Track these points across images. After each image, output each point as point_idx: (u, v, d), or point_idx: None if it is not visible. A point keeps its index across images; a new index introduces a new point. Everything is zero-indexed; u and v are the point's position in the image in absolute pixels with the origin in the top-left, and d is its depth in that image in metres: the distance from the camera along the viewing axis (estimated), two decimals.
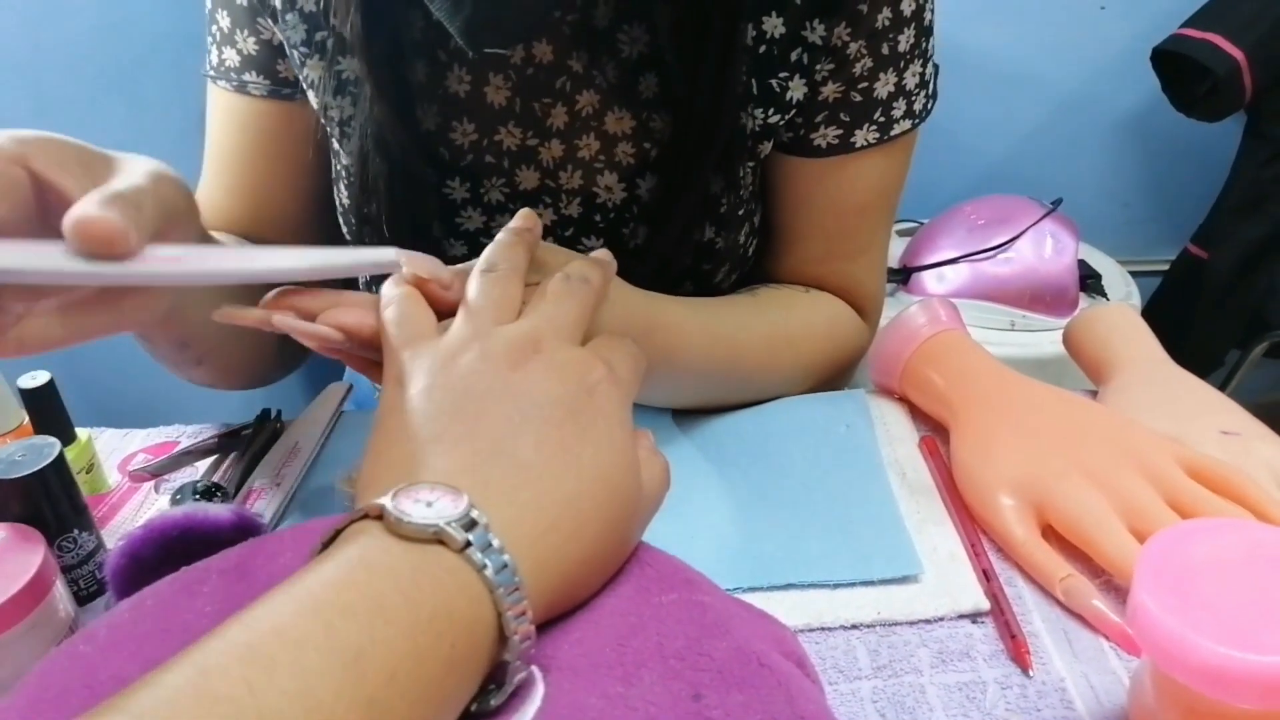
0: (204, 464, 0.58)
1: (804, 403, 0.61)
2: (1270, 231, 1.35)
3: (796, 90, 0.58)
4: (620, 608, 0.34)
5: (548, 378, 0.35)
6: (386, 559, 0.28)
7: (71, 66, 1.15)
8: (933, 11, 0.59)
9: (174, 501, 0.52)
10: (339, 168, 0.63)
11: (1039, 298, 1.23)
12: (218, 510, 0.42)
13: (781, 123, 0.60)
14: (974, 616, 0.45)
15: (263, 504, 0.54)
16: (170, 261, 0.35)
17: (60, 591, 0.43)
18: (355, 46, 0.55)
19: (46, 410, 0.55)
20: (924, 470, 0.56)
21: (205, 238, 0.47)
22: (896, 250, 1.33)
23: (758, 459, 0.56)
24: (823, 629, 0.44)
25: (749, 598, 0.42)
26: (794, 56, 0.57)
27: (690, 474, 0.55)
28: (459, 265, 0.42)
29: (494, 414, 0.33)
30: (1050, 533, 0.49)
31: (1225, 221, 1.39)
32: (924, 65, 0.60)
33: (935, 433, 0.59)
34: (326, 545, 0.30)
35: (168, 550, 0.40)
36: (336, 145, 0.62)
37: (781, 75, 0.58)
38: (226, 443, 0.59)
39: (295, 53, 0.60)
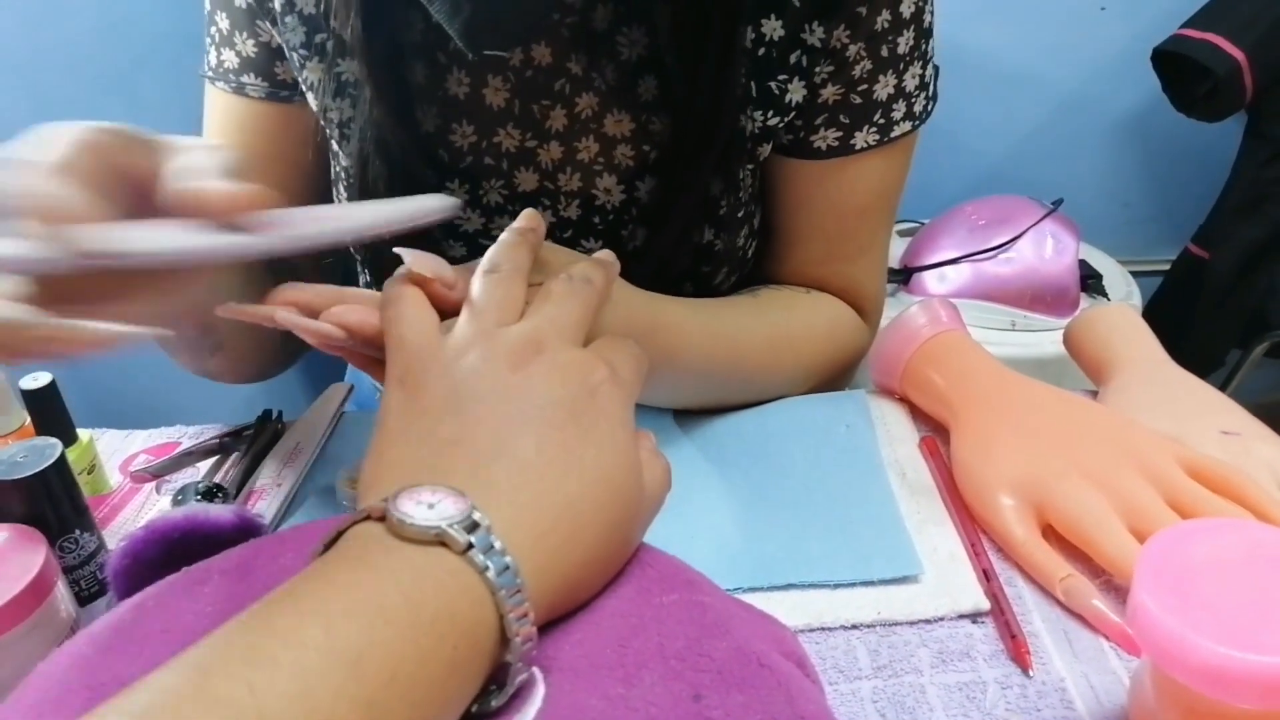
0: (205, 465, 0.58)
1: (804, 403, 0.61)
2: (1271, 231, 1.35)
3: (796, 92, 0.58)
4: (621, 609, 0.34)
5: (550, 379, 0.35)
6: (388, 560, 0.28)
7: (71, 66, 1.15)
8: (932, 13, 0.59)
9: (175, 502, 0.52)
10: (338, 169, 0.64)
11: (1040, 298, 1.23)
12: (219, 511, 0.42)
13: (781, 125, 0.60)
14: (974, 616, 0.45)
15: (264, 505, 0.54)
16: (307, 221, 0.35)
17: (62, 592, 0.43)
18: (355, 49, 0.55)
19: (48, 411, 0.55)
20: (924, 470, 0.56)
21: None
22: (897, 250, 1.33)
23: (758, 459, 0.56)
24: (823, 629, 0.45)
25: (749, 598, 0.42)
26: (793, 59, 0.57)
27: (691, 474, 0.55)
28: (462, 265, 0.41)
29: (496, 415, 0.33)
30: (1050, 533, 0.49)
31: (1226, 221, 1.39)
32: (924, 67, 0.60)
33: (935, 433, 0.59)
34: (328, 546, 0.30)
35: (169, 551, 0.39)
36: (336, 147, 0.62)
37: (781, 77, 0.58)
38: (228, 443, 0.59)
39: (294, 55, 0.60)
